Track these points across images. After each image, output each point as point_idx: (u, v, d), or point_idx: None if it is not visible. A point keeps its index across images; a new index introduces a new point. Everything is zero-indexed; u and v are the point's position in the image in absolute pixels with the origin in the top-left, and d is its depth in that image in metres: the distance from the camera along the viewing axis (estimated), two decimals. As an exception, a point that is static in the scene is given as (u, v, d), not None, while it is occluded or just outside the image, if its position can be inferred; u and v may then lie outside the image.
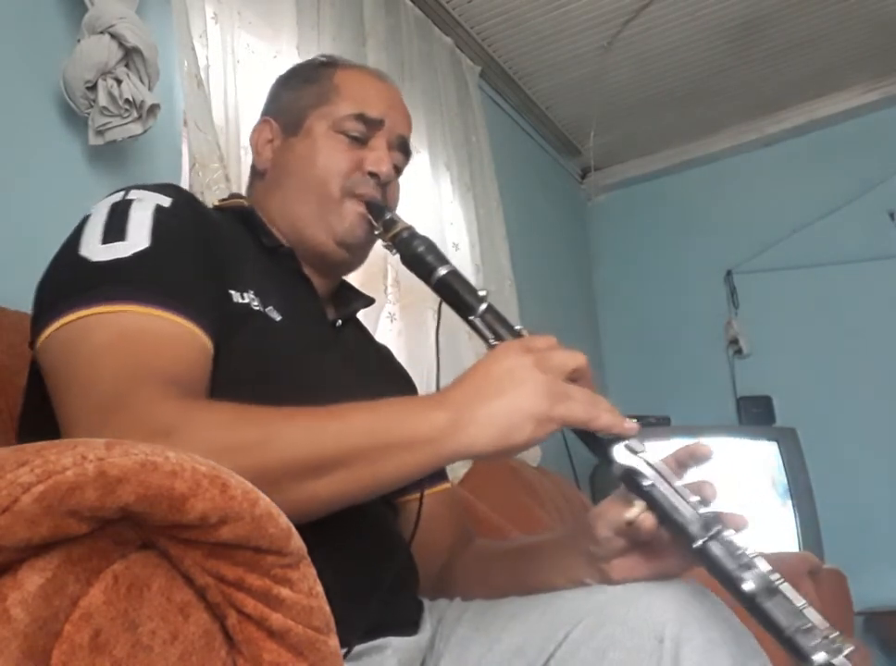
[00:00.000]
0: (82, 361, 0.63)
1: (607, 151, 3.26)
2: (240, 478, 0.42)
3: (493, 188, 2.44)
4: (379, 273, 1.80)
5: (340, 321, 0.94)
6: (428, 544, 0.90)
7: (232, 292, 0.76)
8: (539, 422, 0.63)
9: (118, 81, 1.22)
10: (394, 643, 0.73)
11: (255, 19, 1.69)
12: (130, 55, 1.24)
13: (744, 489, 2.49)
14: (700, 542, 0.64)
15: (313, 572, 0.44)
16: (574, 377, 0.68)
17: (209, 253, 0.75)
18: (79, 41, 1.24)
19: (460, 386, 0.66)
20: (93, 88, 1.22)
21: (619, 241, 3.39)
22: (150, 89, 1.27)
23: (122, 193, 0.75)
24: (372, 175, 0.90)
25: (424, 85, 2.21)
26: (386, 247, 0.87)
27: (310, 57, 1.58)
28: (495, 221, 2.39)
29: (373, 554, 0.78)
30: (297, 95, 0.96)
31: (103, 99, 1.21)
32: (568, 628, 0.68)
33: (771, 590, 0.61)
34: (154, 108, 1.26)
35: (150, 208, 0.73)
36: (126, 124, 1.24)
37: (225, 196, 1.01)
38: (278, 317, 0.79)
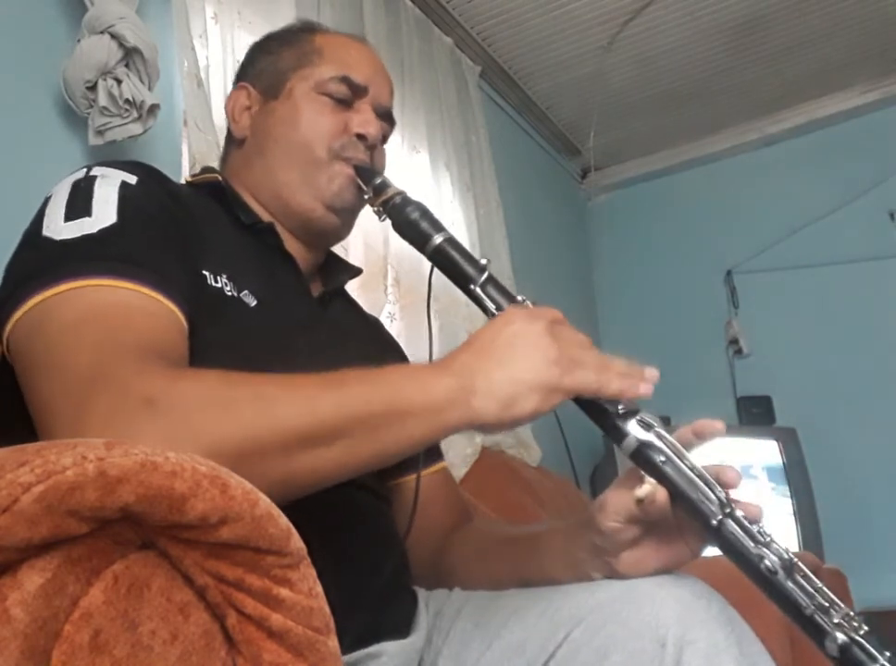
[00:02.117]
0: (52, 341, 0.59)
1: (607, 151, 3.26)
2: (239, 478, 0.42)
3: (493, 188, 2.44)
4: (379, 273, 1.80)
5: (327, 296, 0.90)
6: (423, 528, 0.87)
7: (206, 274, 0.72)
8: (546, 392, 0.61)
9: (118, 81, 1.22)
10: (389, 649, 0.72)
11: (255, 19, 1.69)
12: (130, 55, 1.24)
13: (744, 489, 2.49)
14: (717, 519, 0.62)
15: (313, 572, 0.44)
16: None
17: (180, 233, 0.71)
18: (79, 41, 1.24)
19: (465, 351, 0.63)
20: (93, 88, 1.22)
21: (619, 241, 3.39)
22: (150, 89, 1.27)
23: (84, 170, 0.71)
24: (360, 137, 0.86)
25: (424, 85, 2.21)
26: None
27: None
28: (495, 221, 2.39)
29: (365, 560, 0.75)
30: (275, 58, 0.92)
31: (103, 99, 1.21)
32: (569, 627, 0.66)
33: (790, 568, 0.60)
34: (154, 108, 1.26)
35: (115, 184, 0.69)
36: (126, 124, 1.24)
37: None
38: (253, 302, 0.75)
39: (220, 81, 1.52)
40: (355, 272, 0.97)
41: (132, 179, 0.71)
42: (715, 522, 0.62)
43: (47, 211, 0.68)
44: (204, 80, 1.45)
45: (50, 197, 0.70)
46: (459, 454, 1.83)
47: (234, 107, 0.92)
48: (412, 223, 0.76)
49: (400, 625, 0.76)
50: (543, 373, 0.61)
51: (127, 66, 1.24)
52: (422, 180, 2.08)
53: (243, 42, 1.64)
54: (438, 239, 0.74)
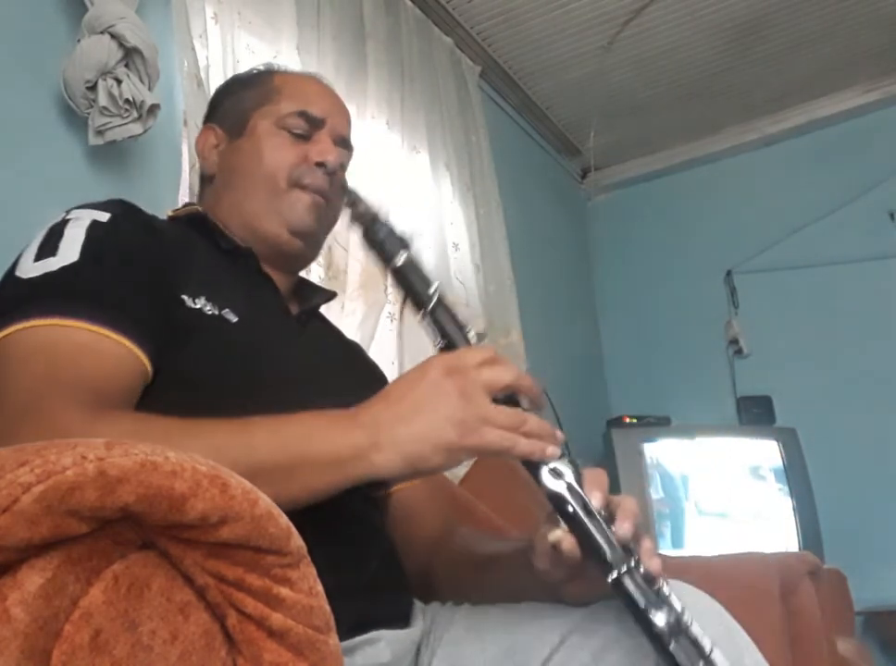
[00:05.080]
0: (2, 378, 0.63)
1: (607, 151, 3.26)
2: (240, 478, 0.42)
3: (493, 188, 2.44)
4: (379, 273, 1.80)
5: (304, 315, 0.94)
6: (411, 538, 0.90)
7: (185, 298, 0.76)
8: (448, 452, 0.63)
9: (118, 81, 1.22)
10: (387, 636, 0.74)
11: (255, 19, 1.69)
12: (130, 55, 1.24)
13: (744, 489, 2.49)
14: (613, 576, 0.62)
15: (313, 571, 0.44)
16: (508, 394, 0.66)
17: (153, 263, 0.75)
18: (79, 41, 1.24)
19: (377, 403, 0.65)
20: (93, 88, 1.22)
21: (619, 241, 3.39)
22: (150, 89, 1.27)
23: (63, 215, 0.76)
24: (319, 165, 0.91)
25: (424, 85, 2.21)
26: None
27: (310, 58, 1.58)
28: (495, 221, 2.39)
29: (358, 552, 0.77)
30: (238, 99, 0.97)
31: (103, 99, 1.21)
32: (563, 631, 0.68)
33: (679, 631, 0.60)
34: (154, 108, 1.26)
35: (84, 225, 0.73)
36: (126, 124, 1.24)
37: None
38: (234, 318, 0.79)
39: (220, 81, 1.51)
40: (330, 295, 1.01)
41: (104, 217, 0.75)
42: (611, 577, 0.62)
43: (24, 253, 0.73)
44: (204, 80, 1.45)
45: (32, 241, 0.74)
46: (459, 454, 1.83)
47: (204, 147, 0.97)
48: (377, 243, 0.77)
49: (397, 616, 0.78)
50: (447, 434, 0.62)
51: (127, 66, 1.24)
52: (422, 180, 2.08)
53: (243, 42, 1.64)
54: (398, 261, 0.76)
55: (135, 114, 1.24)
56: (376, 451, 0.62)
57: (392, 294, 1.83)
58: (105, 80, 1.22)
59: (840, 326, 2.84)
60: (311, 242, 0.94)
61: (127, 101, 1.22)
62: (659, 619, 0.60)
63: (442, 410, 0.63)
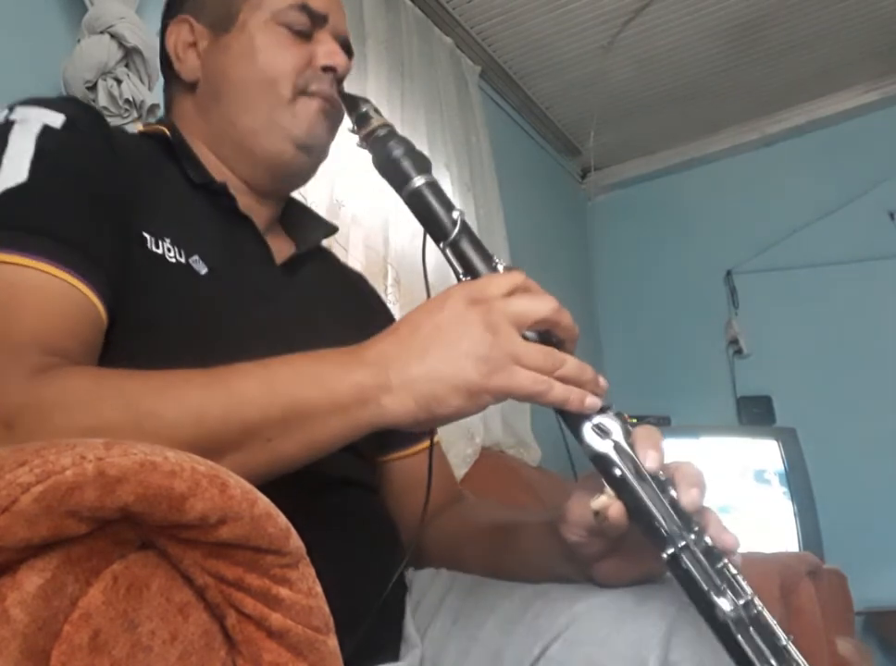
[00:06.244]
0: None
1: (607, 151, 3.26)
2: (238, 478, 0.42)
3: (493, 188, 2.44)
4: (379, 273, 1.80)
5: (299, 258, 0.81)
6: (410, 507, 0.80)
7: (146, 236, 0.64)
8: (469, 394, 0.52)
9: (118, 81, 1.22)
10: None
11: (254, 19, 1.69)
12: (129, 55, 1.24)
13: (744, 489, 2.49)
14: (670, 552, 0.53)
15: (312, 571, 0.44)
16: (540, 329, 0.56)
17: (114, 189, 0.63)
18: (79, 41, 1.24)
19: (386, 338, 0.56)
20: (93, 88, 1.22)
21: (619, 241, 3.39)
22: (150, 89, 1.27)
23: (6, 112, 0.63)
24: (326, 70, 0.78)
25: (424, 85, 2.21)
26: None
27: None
28: (495, 221, 2.39)
29: (363, 575, 0.68)
30: None
31: (103, 99, 1.21)
32: (547, 640, 0.60)
33: (750, 619, 0.52)
34: (154, 108, 1.27)
35: (34, 131, 0.61)
36: (126, 124, 1.24)
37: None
38: (203, 270, 0.67)
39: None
40: (331, 229, 0.89)
41: (58, 121, 0.62)
42: (667, 553, 0.53)
43: None
44: (203, 80, 1.45)
45: None
46: (459, 454, 1.83)
47: (176, 44, 0.80)
48: (393, 160, 0.65)
49: (390, 643, 0.70)
50: (467, 371, 0.52)
51: (127, 66, 1.24)
52: (422, 180, 2.08)
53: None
54: (417, 181, 0.64)
55: (135, 114, 1.24)
56: (385, 393, 0.52)
57: (392, 294, 1.83)
58: (105, 80, 1.22)
59: (840, 326, 2.84)
60: (318, 155, 0.81)
61: (127, 101, 1.22)
62: (724, 604, 0.51)
63: (463, 344, 0.52)
